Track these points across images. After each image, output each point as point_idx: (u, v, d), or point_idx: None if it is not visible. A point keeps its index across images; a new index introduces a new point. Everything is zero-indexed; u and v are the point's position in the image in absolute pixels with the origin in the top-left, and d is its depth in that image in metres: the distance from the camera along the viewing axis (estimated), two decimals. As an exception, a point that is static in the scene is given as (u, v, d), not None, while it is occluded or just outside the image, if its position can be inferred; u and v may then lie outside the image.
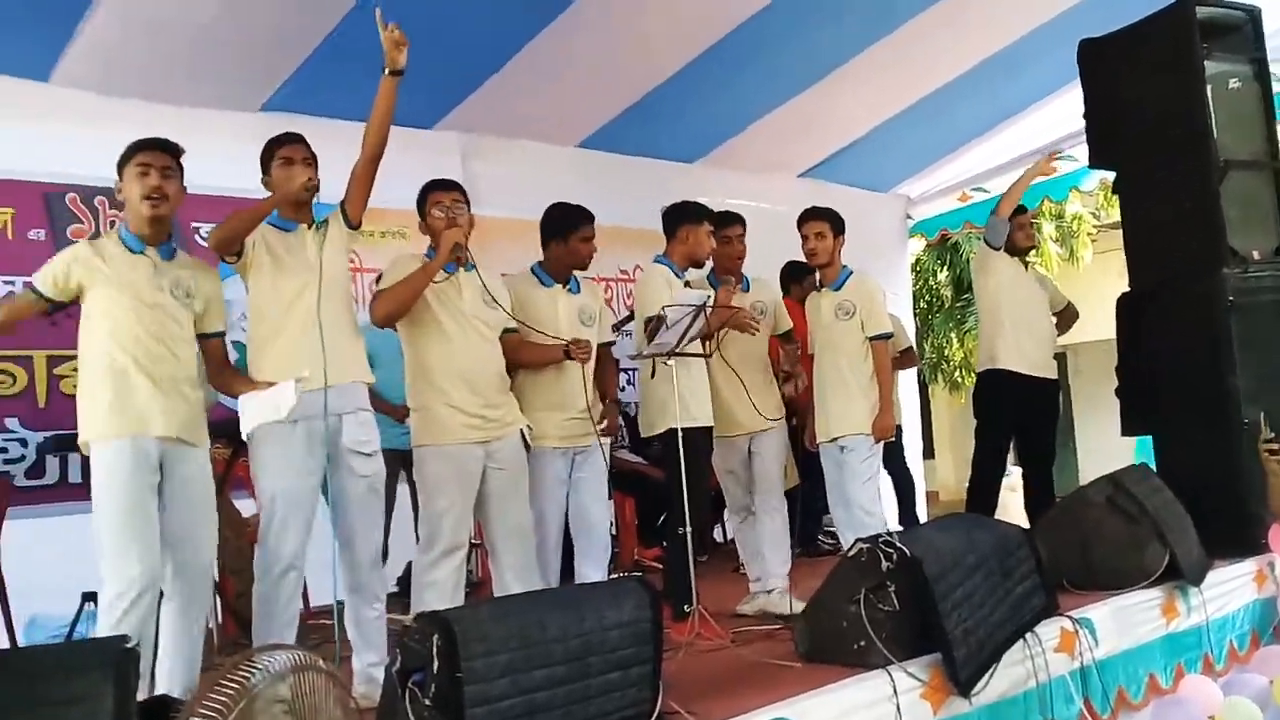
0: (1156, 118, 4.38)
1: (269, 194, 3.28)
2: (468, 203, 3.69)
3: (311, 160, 3.31)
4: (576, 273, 4.07)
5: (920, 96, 6.26)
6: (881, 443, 4.34)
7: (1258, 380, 4.20)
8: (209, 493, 3.09)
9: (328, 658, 3.25)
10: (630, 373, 5.79)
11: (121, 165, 3.04)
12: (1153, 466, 4.50)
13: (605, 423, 3.93)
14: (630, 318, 5.17)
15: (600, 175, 6.13)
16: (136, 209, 3.01)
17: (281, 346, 3.17)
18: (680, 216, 4.26)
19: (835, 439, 4.32)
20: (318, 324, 3.16)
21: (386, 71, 3.26)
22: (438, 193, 3.64)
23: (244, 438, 3.15)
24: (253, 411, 3.07)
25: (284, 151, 3.30)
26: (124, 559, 2.81)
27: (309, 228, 3.30)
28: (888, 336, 4.33)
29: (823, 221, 4.36)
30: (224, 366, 3.25)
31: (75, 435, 2.94)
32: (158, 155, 3.04)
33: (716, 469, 4.46)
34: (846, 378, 4.30)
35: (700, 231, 4.21)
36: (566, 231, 3.97)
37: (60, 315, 3.19)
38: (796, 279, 5.54)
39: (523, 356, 3.76)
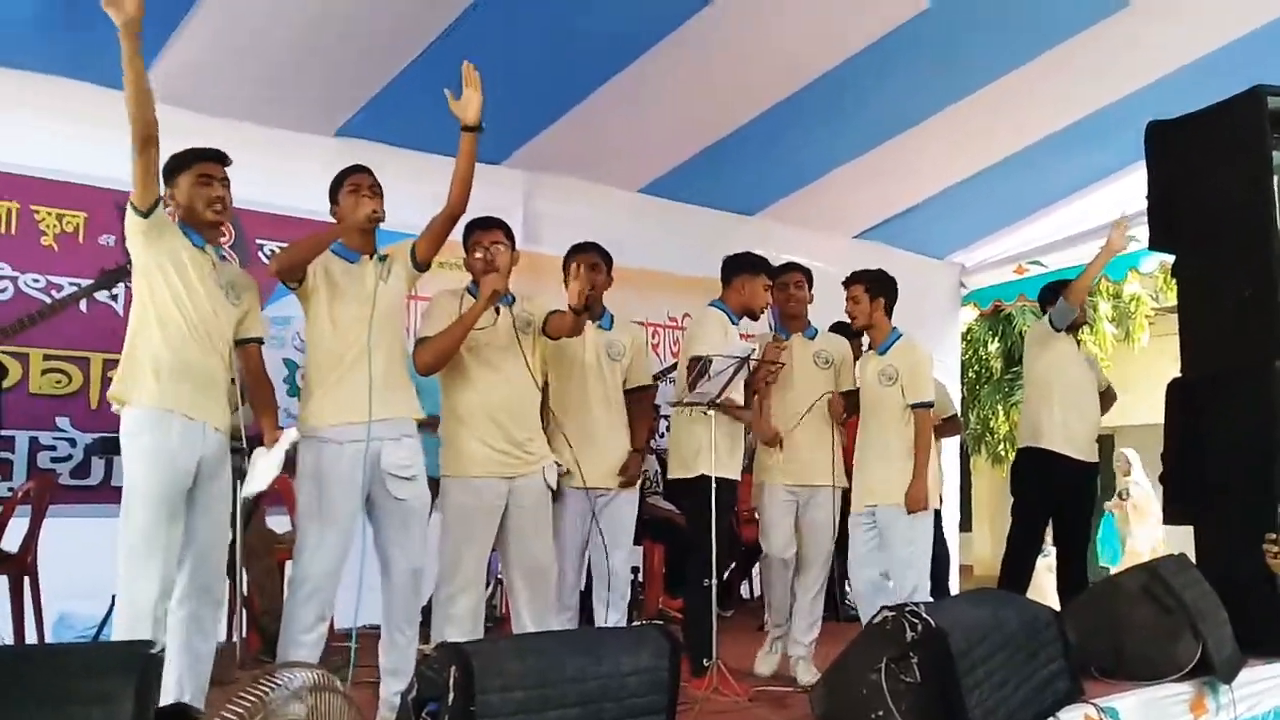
0: (1221, 205, 4.35)
1: (334, 221, 3.36)
2: (512, 241, 3.73)
3: (378, 190, 3.37)
4: (616, 313, 4.12)
5: (983, 167, 6.25)
6: (929, 513, 4.26)
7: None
8: (228, 492, 3.12)
9: (352, 680, 3.32)
10: (668, 418, 5.80)
11: (177, 171, 3.10)
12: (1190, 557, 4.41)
13: (626, 471, 3.95)
14: (673, 368, 5.19)
15: (659, 221, 6.22)
16: (200, 214, 3.08)
17: (334, 376, 3.21)
18: (738, 266, 4.31)
19: (870, 506, 4.26)
20: (368, 356, 3.21)
21: (465, 127, 3.31)
22: (479, 233, 3.70)
23: (250, 492, 3.18)
24: (261, 471, 3.11)
25: (352, 180, 3.37)
26: (148, 568, 2.83)
27: (371, 258, 3.36)
28: (929, 405, 4.27)
29: (859, 285, 4.37)
30: (261, 377, 3.28)
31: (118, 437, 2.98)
32: (217, 166, 3.13)
33: (760, 518, 4.43)
34: (888, 445, 4.24)
35: (756, 283, 4.26)
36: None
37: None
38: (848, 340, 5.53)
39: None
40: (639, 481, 4.09)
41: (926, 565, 4.30)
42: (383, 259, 3.38)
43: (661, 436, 5.61)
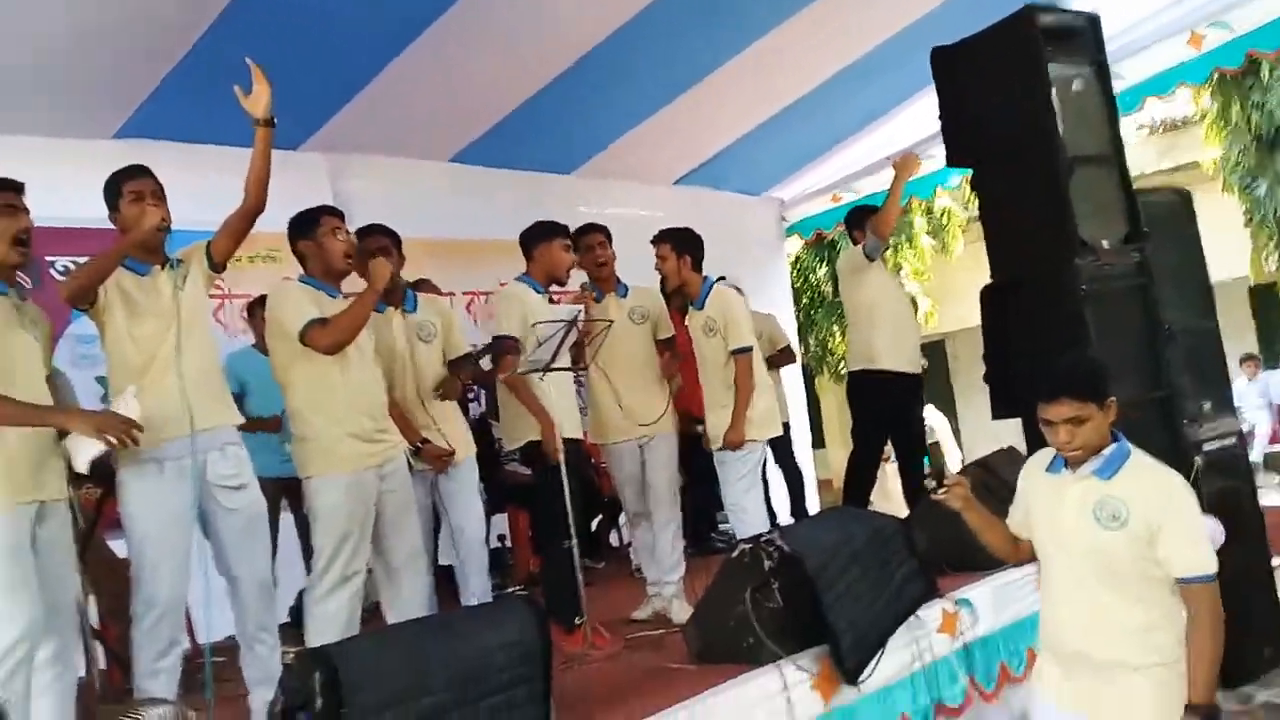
0: (1006, 119, 4.56)
1: (116, 229, 3.17)
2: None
3: (161, 195, 3.20)
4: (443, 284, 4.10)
5: (788, 103, 6.41)
6: (760, 444, 4.43)
7: (1113, 365, 4.40)
8: (71, 542, 3.01)
9: (221, 695, 3.22)
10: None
11: None
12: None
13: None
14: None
15: (475, 189, 6.12)
16: (4, 255, 2.89)
17: (144, 395, 3.03)
18: (532, 236, 4.29)
19: (716, 449, 4.43)
20: (177, 369, 3.08)
21: (256, 122, 3.15)
22: (335, 218, 3.62)
23: (81, 472, 3.02)
24: (89, 441, 2.89)
25: (132, 186, 3.18)
26: (10, 615, 2.71)
27: (164, 268, 3.19)
28: (748, 350, 4.39)
29: (666, 244, 4.47)
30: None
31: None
32: (17, 195, 2.94)
33: (612, 476, 4.53)
34: (720, 392, 4.42)
35: (553, 247, 4.24)
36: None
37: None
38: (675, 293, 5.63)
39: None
40: (475, 450, 4.07)
41: (758, 495, 4.54)
42: (175, 265, 3.21)
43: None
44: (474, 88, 5.43)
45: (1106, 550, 2.50)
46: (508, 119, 5.78)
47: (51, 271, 4.59)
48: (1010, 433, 4.71)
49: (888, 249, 5.59)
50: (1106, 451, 2.56)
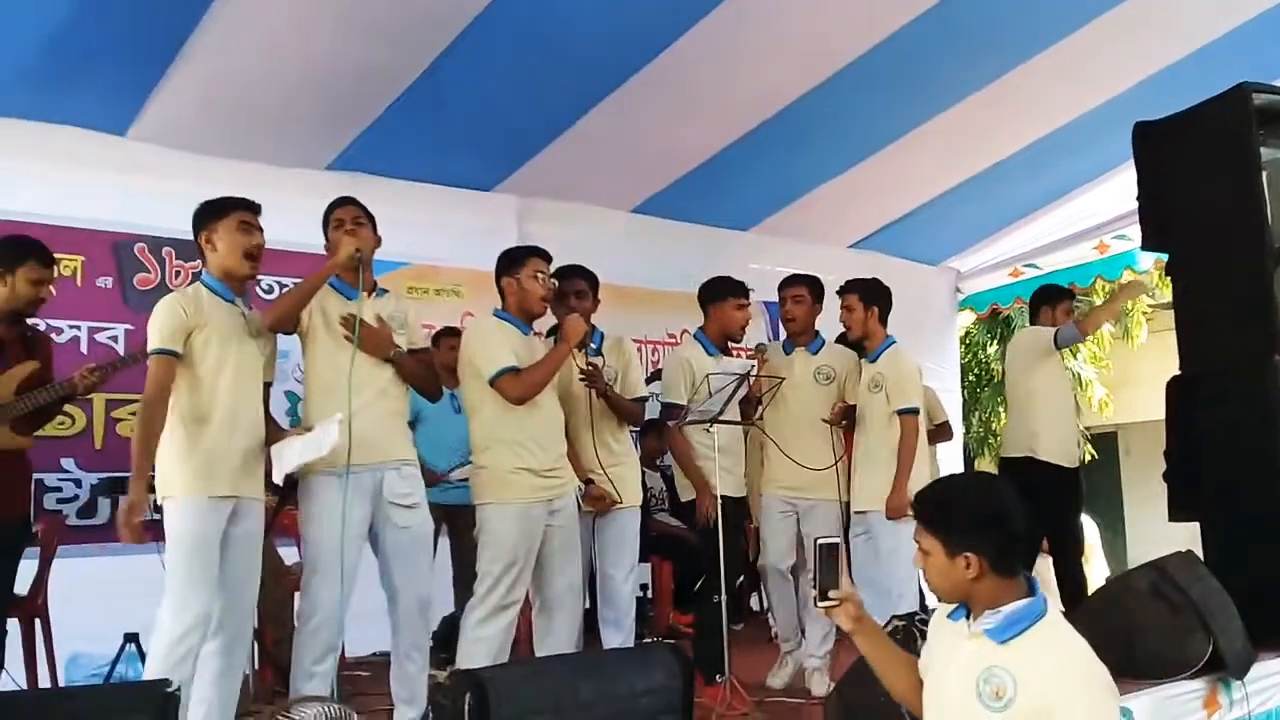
0: (1210, 203, 4.36)
1: (328, 255, 3.39)
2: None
3: (361, 222, 3.40)
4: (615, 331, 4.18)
5: (974, 173, 6.29)
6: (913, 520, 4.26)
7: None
8: (261, 542, 3.19)
9: (363, 710, 3.33)
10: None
11: (214, 219, 3.17)
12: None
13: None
14: (658, 375, 5.21)
15: (654, 239, 6.25)
16: (235, 263, 3.16)
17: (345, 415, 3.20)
18: (707, 295, 4.36)
19: (859, 513, 4.26)
20: (378, 397, 3.28)
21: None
22: (541, 261, 3.72)
23: (278, 482, 3.22)
24: (292, 454, 3.12)
25: (337, 214, 3.42)
26: (187, 603, 2.90)
27: (370, 295, 3.39)
28: (914, 411, 4.25)
29: (853, 294, 4.38)
30: (268, 418, 3.33)
31: (128, 477, 3.02)
32: (253, 215, 3.20)
33: (762, 534, 4.45)
34: (876, 452, 4.25)
35: (726, 307, 4.29)
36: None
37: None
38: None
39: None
40: (643, 499, 4.10)
41: (912, 573, 4.29)
42: (382, 292, 3.44)
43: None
44: (660, 143, 5.57)
45: None
46: (690, 174, 5.88)
47: (258, 290, 4.91)
48: (1182, 538, 4.44)
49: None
50: (1008, 608, 2.07)
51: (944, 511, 2.16)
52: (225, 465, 3.03)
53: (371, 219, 3.45)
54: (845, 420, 4.38)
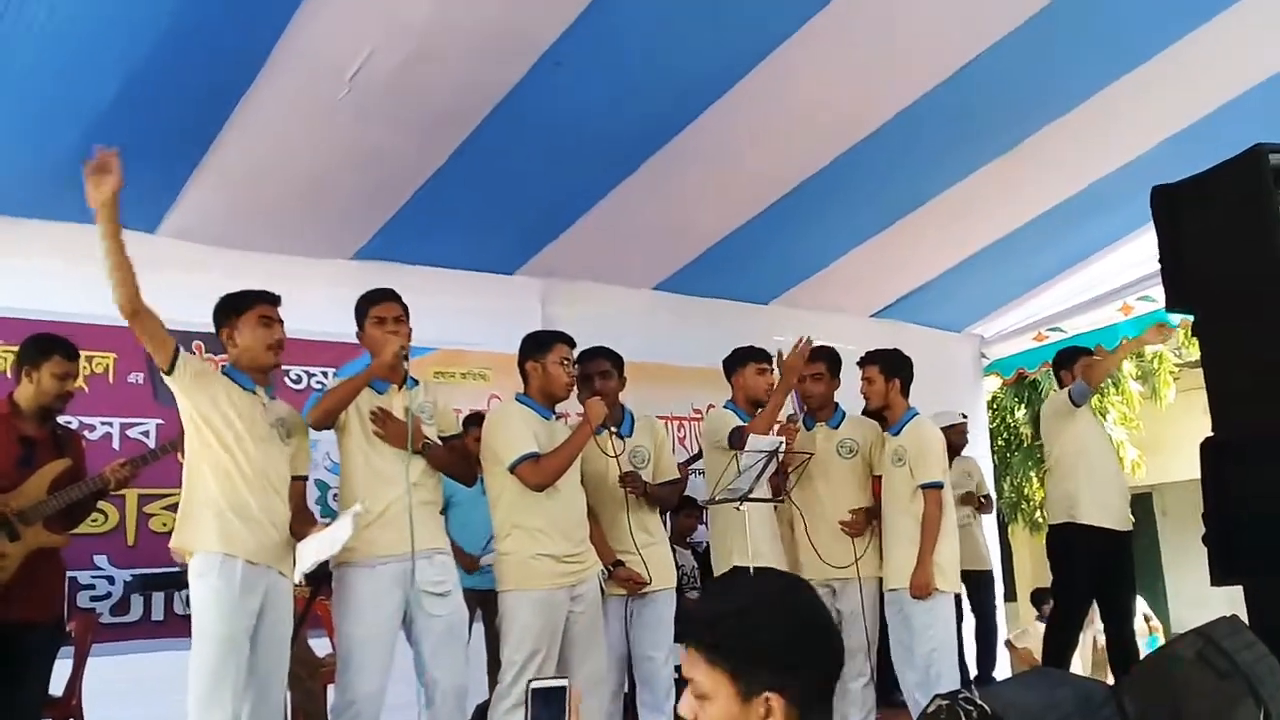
0: (1233, 264, 4.34)
1: (361, 345, 3.42)
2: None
3: (404, 318, 3.43)
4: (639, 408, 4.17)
5: (994, 239, 6.30)
6: (948, 595, 4.20)
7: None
8: (290, 632, 3.17)
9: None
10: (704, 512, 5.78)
11: (236, 312, 3.23)
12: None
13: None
14: (698, 456, 5.20)
15: (674, 316, 6.29)
16: (258, 355, 3.20)
17: (377, 510, 3.24)
18: (729, 364, 4.42)
19: (892, 590, 4.22)
20: (407, 490, 3.27)
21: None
22: (566, 347, 3.77)
23: (297, 581, 3.21)
24: (308, 553, 3.12)
25: (377, 311, 3.43)
26: (215, 701, 2.89)
27: (400, 388, 3.42)
28: (938, 486, 4.22)
29: (873, 366, 4.39)
30: (302, 508, 3.36)
31: (161, 574, 3.04)
32: (274, 308, 3.25)
33: None
34: (901, 527, 4.22)
35: (748, 372, 4.33)
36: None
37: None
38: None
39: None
40: (676, 580, 4.07)
41: (950, 649, 4.23)
42: (413, 383, 3.46)
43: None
44: (678, 222, 5.63)
45: None
46: (709, 251, 5.94)
47: (286, 380, 4.95)
48: (1223, 601, 4.34)
49: (1094, 395, 5.33)
50: None
51: (735, 637, 1.43)
52: (256, 534, 3.05)
53: (407, 312, 3.49)
54: (874, 521, 4.37)
